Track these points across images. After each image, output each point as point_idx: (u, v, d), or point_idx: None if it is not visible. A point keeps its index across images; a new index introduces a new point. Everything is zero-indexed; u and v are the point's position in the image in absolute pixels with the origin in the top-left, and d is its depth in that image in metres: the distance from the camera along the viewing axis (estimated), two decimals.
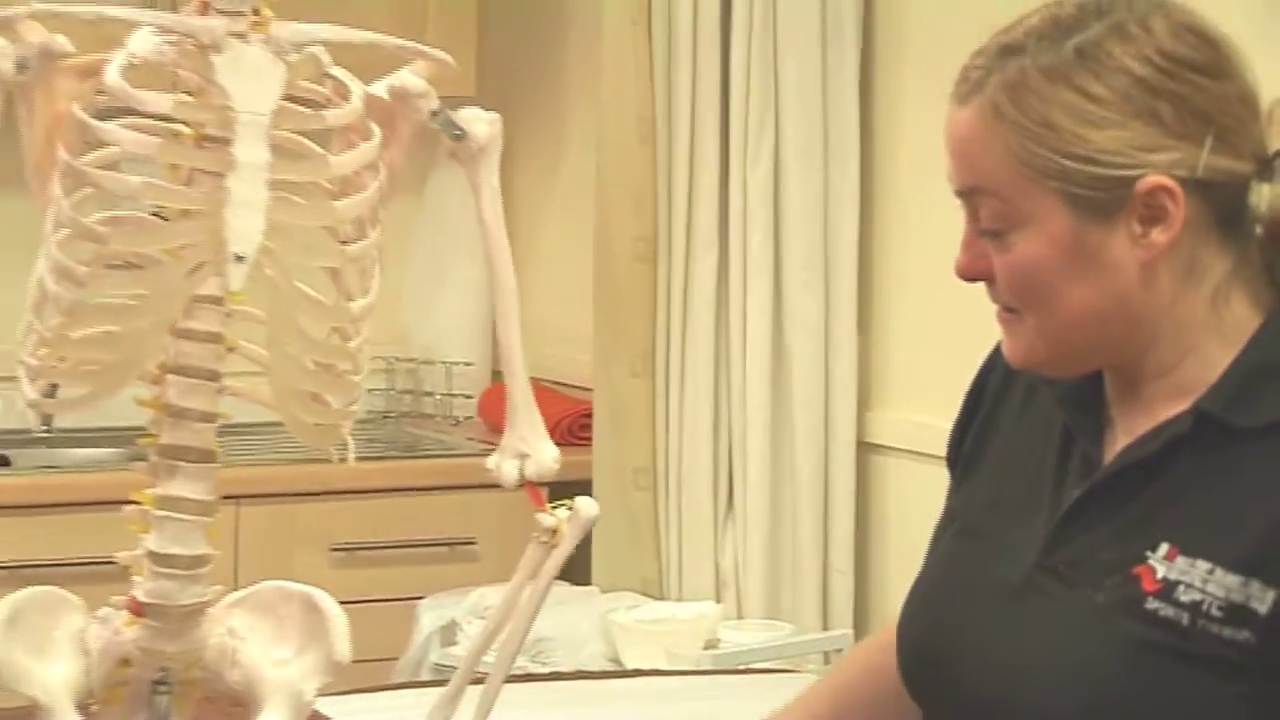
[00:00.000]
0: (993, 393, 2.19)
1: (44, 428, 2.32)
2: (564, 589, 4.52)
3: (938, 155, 4.23)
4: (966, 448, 2.20)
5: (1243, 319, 1.98)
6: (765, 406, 4.45)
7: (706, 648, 4.18)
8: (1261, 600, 1.87)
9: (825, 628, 4.43)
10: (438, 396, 5.33)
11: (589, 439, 4.68)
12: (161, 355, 2.27)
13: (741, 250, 4.46)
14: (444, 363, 5.26)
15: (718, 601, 4.40)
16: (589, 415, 4.71)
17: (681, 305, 4.46)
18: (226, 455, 2.35)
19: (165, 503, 2.31)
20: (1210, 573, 1.89)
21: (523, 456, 2.41)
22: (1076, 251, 1.94)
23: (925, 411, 4.40)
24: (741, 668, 4.12)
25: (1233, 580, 1.88)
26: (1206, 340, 1.97)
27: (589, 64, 4.46)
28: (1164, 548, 1.92)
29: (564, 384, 4.92)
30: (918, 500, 4.45)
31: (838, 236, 4.46)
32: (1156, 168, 1.91)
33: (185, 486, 2.31)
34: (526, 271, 4.39)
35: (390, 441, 5.17)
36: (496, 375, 5.47)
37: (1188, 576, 1.90)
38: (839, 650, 4.33)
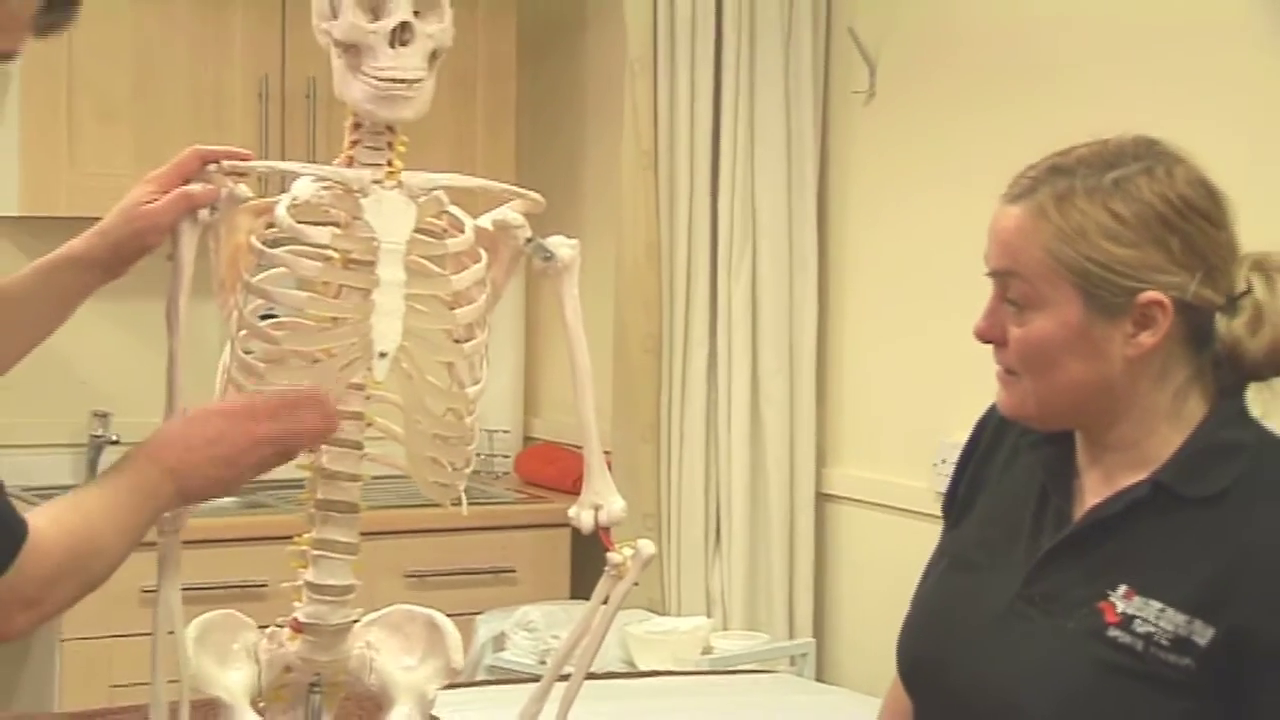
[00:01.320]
0: (981, 455, 2.17)
1: None
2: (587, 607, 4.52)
3: (879, 267, 4.30)
4: (960, 497, 2.19)
5: (1195, 412, 1.97)
6: (745, 466, 4.44)
7: (703, 653, 4.17)
8: (1202, 635, 1.86)
9: (791, 636, 4.41)
10: (482, 456, 5.31)
11: None
12: None
13: (727, 346, 4.47)
14: (486, 430, 5.23)
15: (709, 617, 4.38)
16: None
17: (680, 388, 4.45)
18: None
19: (321, 544, 2.31)
20: (1162, 611, 1.88)
21: (597, 508, 2.42)
22: (1081, 337, 1.93)
23: (869, 469, 4.42)
24: (729, 669, 4.12)
25: (1180, 618, 1.87)
26: (1164, 425, 1.96)
27: (609, 200, 4.43)
28: (1123, 588, 1.91)
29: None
30: (864, 538, 4.47)
31: (801, 333, 4.46)
32: (1157, 285, 1.91)
33: (336, 532, 2.32)
34: (564, 360, 4.41)
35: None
36: (527, 440, 5.47)
37: (1143, 613, 1.89)
38: (804, 654, 4.33)
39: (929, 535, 4.09)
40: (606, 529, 2.42)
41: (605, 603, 2.41)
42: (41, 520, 1.81)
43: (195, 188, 2.22)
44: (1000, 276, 1.98)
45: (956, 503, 2.20)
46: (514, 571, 4.76)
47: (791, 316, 4.47)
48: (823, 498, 4.52)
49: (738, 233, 4.44)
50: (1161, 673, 1.87)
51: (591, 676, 3.88)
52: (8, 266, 4.81)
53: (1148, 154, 1.95)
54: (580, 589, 4.82)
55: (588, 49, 5.05)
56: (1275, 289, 1.93)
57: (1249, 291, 1.93)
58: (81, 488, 1.95)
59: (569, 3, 5.09)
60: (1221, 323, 1.94)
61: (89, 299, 2.41)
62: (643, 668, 4.08)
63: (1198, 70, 3.51)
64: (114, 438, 4.86)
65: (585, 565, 4.85)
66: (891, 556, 4.33)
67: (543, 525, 4.84)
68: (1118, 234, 1.90)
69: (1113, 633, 1.90)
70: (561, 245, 2.38)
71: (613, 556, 2.42)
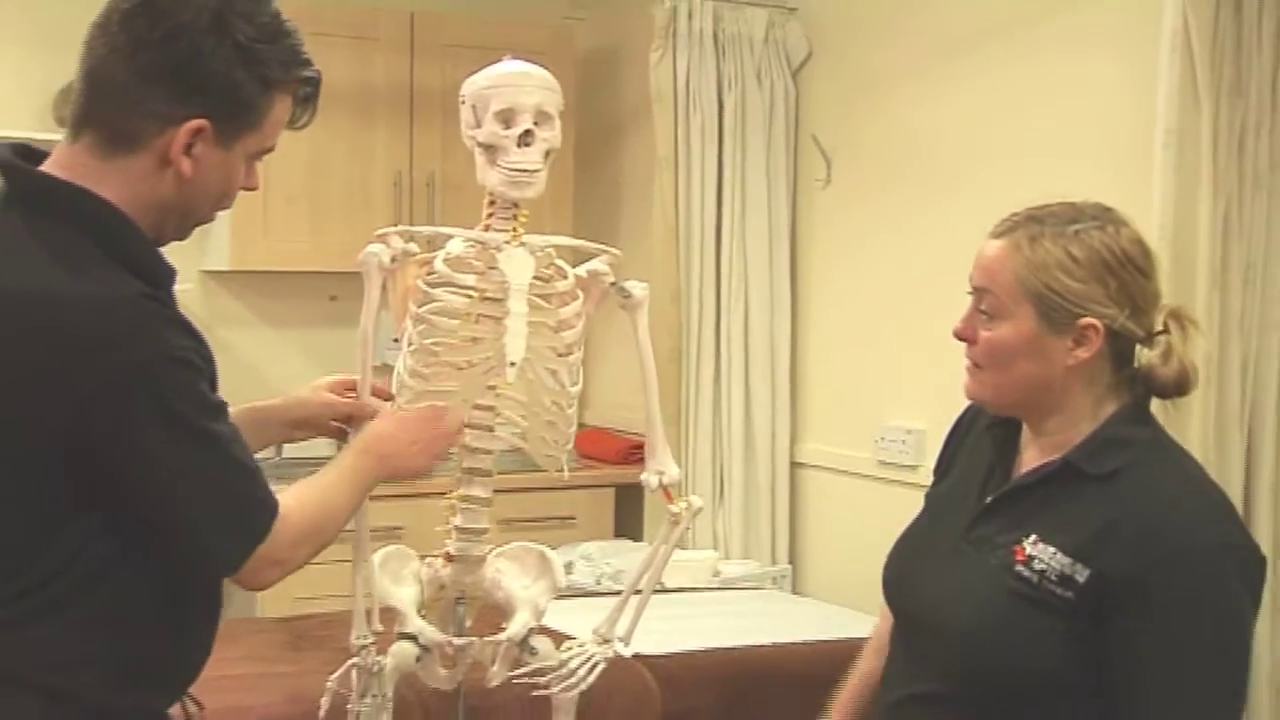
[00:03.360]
0: (959, 437, 2.12)
1: None
2: (629, 543, 4.49)
3: (835, 304, 4.29)
4: (944, 466, 2.13)
5: (1108, 412, 1.92)
6: (740, 443, 4.40)
7: (713, 575, 4.14)
8: (1081, 575, 1.81)
9: (774, 563, 4.37)
10: None
11: (641, 460, 4.60)
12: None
13: (727, 360, 4.43)
14: None
15: (716, 549, 4.34)
16: (641, 447, 4.64)
17: (695, 388, 4.42)
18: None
19: (465, 499, 2.30)
20: (1054, 554, 1.84)
21: (660, 473, 2.40)
22: (1032, 345, 1.88)
23: (829, 444, 4.39)
24: (732, 586, 4.10)
25: (1066, 560, 1.83)
26: (1085, 422, 1.91)
27: (642, 258, 4.33)
28: (1032, 537, 1.87)
29: (628, 430, 4.83)
30: (825, 494, 4.45)
31: (779, 351, 4.44)
32: (1094, 314, 1.86)
33: (476, 489, 2.30)
34: (618, 367, 4.53)
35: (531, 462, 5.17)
36: (581, 425, 5.41)
37: (1042, 555, 1.85)
38: (784, 575, 4.30)
39: (872, 491, 4.15)
40: (667, 488, 2.39)
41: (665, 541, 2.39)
42: (289, 499, 1.77)
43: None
44: (978, 291, 1.93)
45: (941, 469, 2.14)
46: (574, 518, 4.72)
47: (772, 339, 4.44)
48: (795, 465, 4.49)
49: (735, 281, 4.42)
50: (1049, 600, 1.82)
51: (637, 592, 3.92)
52: (221, 308, 4.89)
53: (1103, 215, 1.91)
54: (621, 531, 4.81)
55: (625, 150, 5.03)
56: (1186, 336, 1.89)
57: (1165, 332, 1.89)
58: (316, 473, 1.91)
59: (611, 117, 5.05)
60: (1141, 352, 1.90)
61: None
62: (670, 586, 4.04)
63: (1093, 174, 3.47)
64: None
65: (624, 515, 4.84)
66: (844, 507, 4.32)
67: (594, 486, 4.79)
68: (1071, 270, 1.86)
69: (1019, 569, 1.85)
70: (636, 287, 2.37)
71: (671, 508, 2.40)
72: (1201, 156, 3.08)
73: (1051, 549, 1.84)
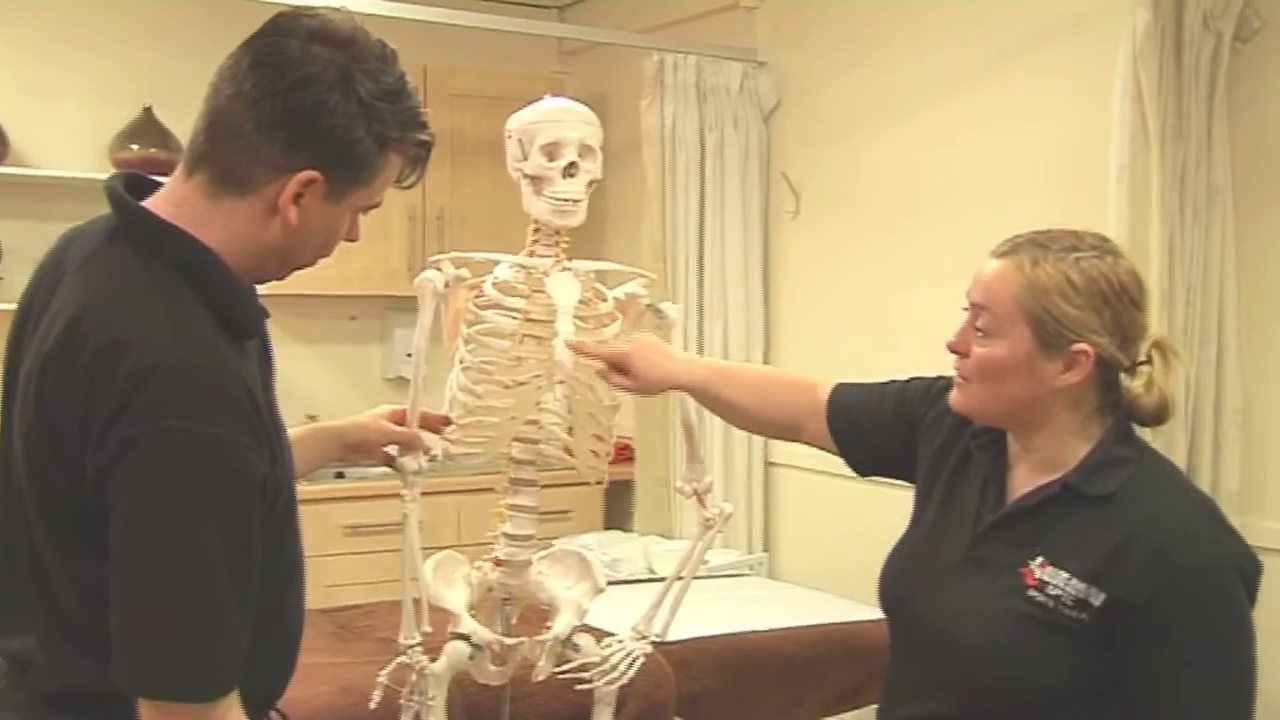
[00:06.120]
0: (940, 452, 1.88)
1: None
2: (620, 534, 4.28)
3: (803, 322, 4.13)
4: (924, 484, 1.89)
5: (1095, 433, 1.72)
6: (721, 445, 4.19)
7: (702, 563, 3.91)
8: (1096, 599, 1.61)
9: (750, 552, 4.17)
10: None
11: (626, 460, 4.40)
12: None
13: None
14: None
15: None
16: (626, 448, 4.42)
17: (680, 396, 4.17)
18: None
19: (514, 508, 2.09)
20: (1069, 580, 1.63)
21: (695, 482, 2.19)
22: (1025, 364, 1.68)
23: (802, 446, 4.17)
24: (718, 574, 3.89)
25: (1080, 585, 1.63)
26: (1073, 439, 1.71)
27: None
28: (1039, 559, 1.66)
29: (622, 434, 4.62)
30: (796, 490, 4.27)
31: (754, 362, 4.21)
32: (1087, 340, 1.66)
33: (523, 499, 2.09)
34: None
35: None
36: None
37: (1055, 580, 1.64)
38: (760, 563, 4.12)
39: (839, 488, 3.93)
40: (701, 495, 2.18)
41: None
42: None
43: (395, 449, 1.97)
44: (975, 308, 1.71)
45: (922, 488, 1.90)
46: (569, 512, 4.49)
47: (748, 353, 4.24)
48: (770, 465, 4.29)
49: (715, 301, 4.21)
50: (1063, 623, 1.62)
51: (631, 581, 3.71)
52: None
53: (1102, 246, 1.70)
54: (610, 523, 4.61)
55: (612, 186, 4.81)
56: (1168, 367, 1.69)
57: (1149, 362, 1.69)
58: None
59: (606, 154, 4.85)
60: (1126, 380, 1.70)
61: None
62: (661, 574, 3.84)
63: (1050, 207, 3.31)
64: None
65: (613, 509, 4.64)
66: (813, 501, 4.16)
67: (586, 483, 4.52)
68: (1070, 296, 1.65)
69: (1031, 593, 1.64)
70: (670, 308, 2.16)
71: (705, 513, 2.19)
72: (1151, 191, 2.93)
73: (1065, 574, 1.63)
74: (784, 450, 4.25)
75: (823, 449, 2.02)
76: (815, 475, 4.08)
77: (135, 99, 4.28)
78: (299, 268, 1.49)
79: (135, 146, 4.23)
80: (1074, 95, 3.31)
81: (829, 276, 4.11)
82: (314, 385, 4.74)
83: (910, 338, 3.66)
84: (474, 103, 4.54)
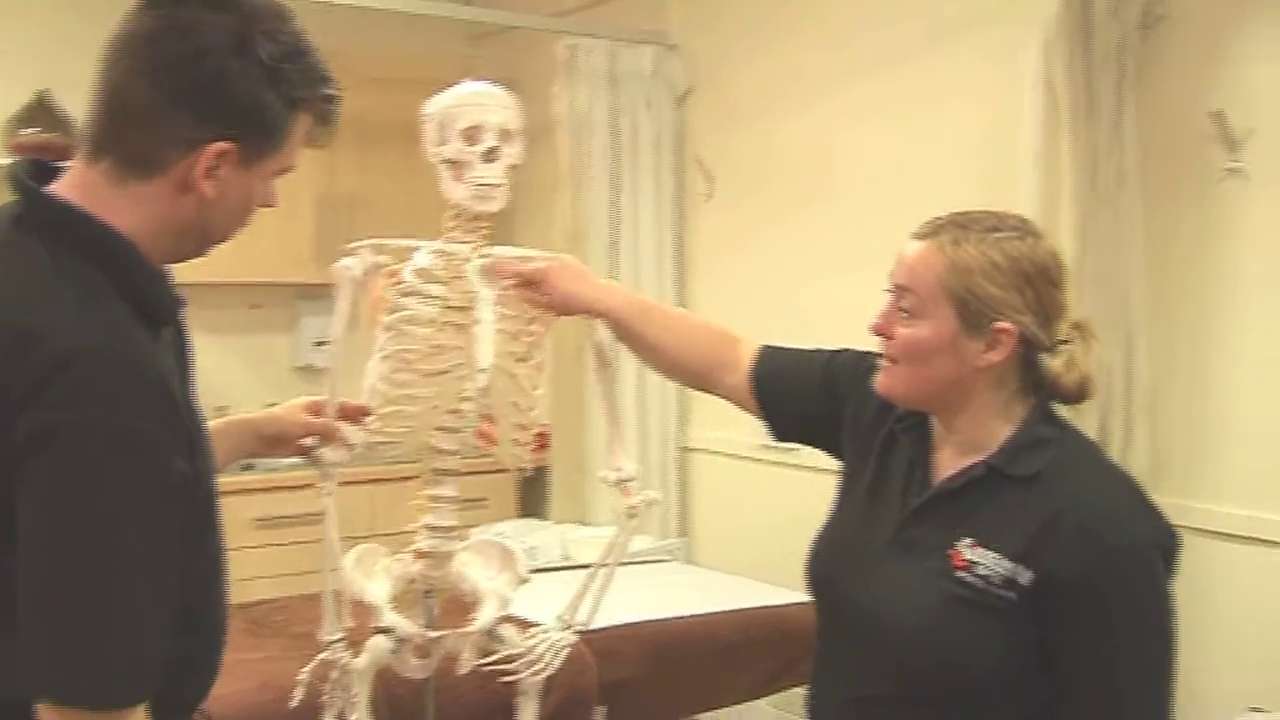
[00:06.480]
0: (865, 435, 1.87)
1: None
2: (537, 522, 4.26)
3: (717, 301, 4.13)
4: (850, 467, 1.89)
5: (1017, 413, 1.72)
6: (636, 431, 4.19)
7: None
8: (1024, 577, 1.62)
9: (667, 538, 4.16)
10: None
11: (540, 447, 4.36)
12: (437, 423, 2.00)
13: (622, 357, 4.19)
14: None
15: (615, 526, 4.11)
16: (540, 435, 4.37)
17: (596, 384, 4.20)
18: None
19: (435, 499, 2.05)
20: (997, 560, 1.63)
21: (618, 469, 2.16)
22: (949, 344, 1.68)
23: (714, 430, 4.20)
24: (637, 560, 3.86)
25: (1009, 565, 1.63)
26: (994, 420, 1.72)
27: None
28: (967, 540, 1.66)
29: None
30: (711, 474, 4.29)
31: None
32: (1009, 319, 1.67)
33: (446, 490, 2.05)
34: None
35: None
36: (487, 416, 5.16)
37: (983, 560, 1.64)
38: (678, 548, 4.12)
39: (754, 471, 3.97)
40: (624, 483, 2.16)
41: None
42: None
43: (313, 440, 1.91)
44: (899, 290, 1.71)
45: (848, 470, 1.89)
46: (485, 499, 4.46)
47: None
48: (684, 450, 4.30)
49: (628, 280, 4.18)
50: (993, 603, 1.62)
51: (549, 569, 3.69)
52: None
53: (1023, 226, 1.71)
54: (525, 511, 4.59)
55: (524, 170, 4.77)
56: (1087, 346, 1.71)
57: (1069, 342, 1.70)
58: None
59: None
60: (1046, 359, 1.70)
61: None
62: (579, 562, 3.81)
63: (962, 191, 3.34)
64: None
65: (527, 496, 4.61)
66: (727, 486, 4.18)
67: (501, 470, 4.47)
68: (992, 276, 1.65)
69: (960, 574, 1.64)
70: None
71: (629, 501, 2.16)
72: (1063, 176, 2.96)
73: (993, 554, 1.64)
74: (698, 435, 4.25)
75: (739, 405, 2.01)
76: (730, 459, 4.10)
77: (30, 82, 4.15)
78: (218, 242, 1.45)
79: (30, 131, 4.11)
80: (987, 80, 3.35)
81: (742, 260, 4.11)
82: (221, 376, 4.65)
83: (824, 320, 3.68)
84: (382, 86, 4.46)
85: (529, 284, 1.99)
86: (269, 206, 1.45)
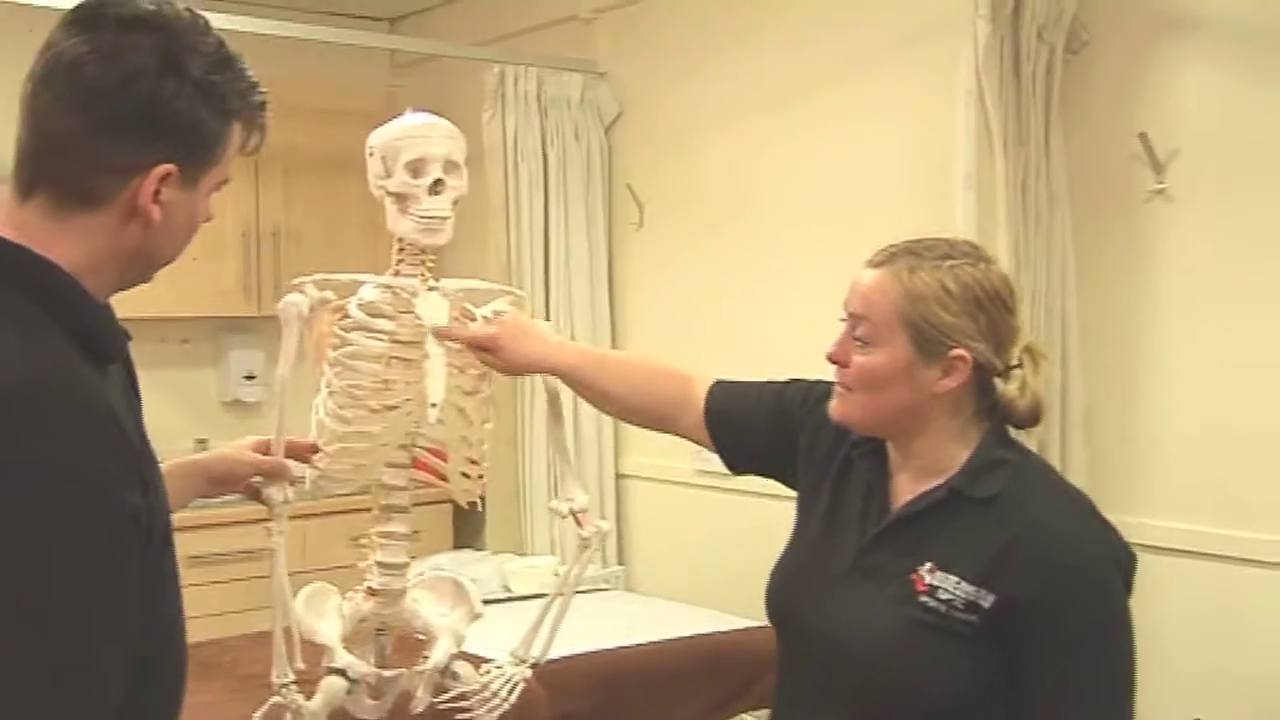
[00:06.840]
0: (821, 462, 1.88)
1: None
2: (472, 553, 4.23)
3: (648, 325, 4.14)
4: (806, 495, 1.89)
5: (974, 437, 1.73)
6: (576, 457, 4.15)
7: (555, 576, 3.87)
8: (986, 600, 1.63)
9: (605, 566, 4.13)
10: None
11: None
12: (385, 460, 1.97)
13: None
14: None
15: (554, 555, 4.10)
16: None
17: (530, 411, 4.21)
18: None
19: (385, 535, 2.02)
20: (958, 584, 1.64)
21: (569, 500, 2.15)
22: (905, 371, 1.69)
23: (649, 457, 4.20)
24: (578, 589, 3.83)
25: (970, 588, 1.64)
26: (952, 444, 1.73)
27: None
28: (928, 565, 1.67)
29: None
30: (647, 501, 4.28)
31: None
32: (964, 346, 1.68)
33: (396, 526, 2.03)
34: None
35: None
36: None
37: (945, 584, 1.65)
38: (616, 576, 4.10)
39: (690, 497, 3.97)
40: (577, 514, 2.15)
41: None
42: None
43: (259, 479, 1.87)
44: (854, 318, 1.72)
45: (804, 495, 1.89)
46: (420, 533, 4.34)
47: None
48: (620, 476, 4.29)
49: (561, 308, 4.20)
50: (955, 626, 1.63)
51: (491, 601, 3.63)
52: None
53: (974, 253, 1.72)
54: (460, 543, 4.54)
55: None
56: (1037, 369, 1.72)
57: (1020, 366, 1.71)
58: None
59: None
60: (1000, 384, 1.72)
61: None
62: (517, 592, 3.79)
63: (900, 213, 3.37)
64: None
65: (462, 529, 4.58)
66: (664, 512, 4.18)
67: (435, 502, 4.44)
68: (946, 304, 1.67)
69: (922, 599, 1.65)
70: (541, 326, 2.12)
71: (582, 532, 2.15)
72: (997, 198, 3.00)
73: (954, 578, 1.64)
74: (634, 462, 4.25)
75: (697, 443, 2.01)
76: (666, 485, 4.10)
77: None
78: (163, 265, 1.41)
79: None
80: (918, 103, 3.38)
81: (673, 285, 4.13)
82: (149, 412, 4.52)
83: (756, 343, 3.71)
84: (306, 116, 4.43)
85: (480, 348, 1.97)
86: (208, 220, 1.43)
